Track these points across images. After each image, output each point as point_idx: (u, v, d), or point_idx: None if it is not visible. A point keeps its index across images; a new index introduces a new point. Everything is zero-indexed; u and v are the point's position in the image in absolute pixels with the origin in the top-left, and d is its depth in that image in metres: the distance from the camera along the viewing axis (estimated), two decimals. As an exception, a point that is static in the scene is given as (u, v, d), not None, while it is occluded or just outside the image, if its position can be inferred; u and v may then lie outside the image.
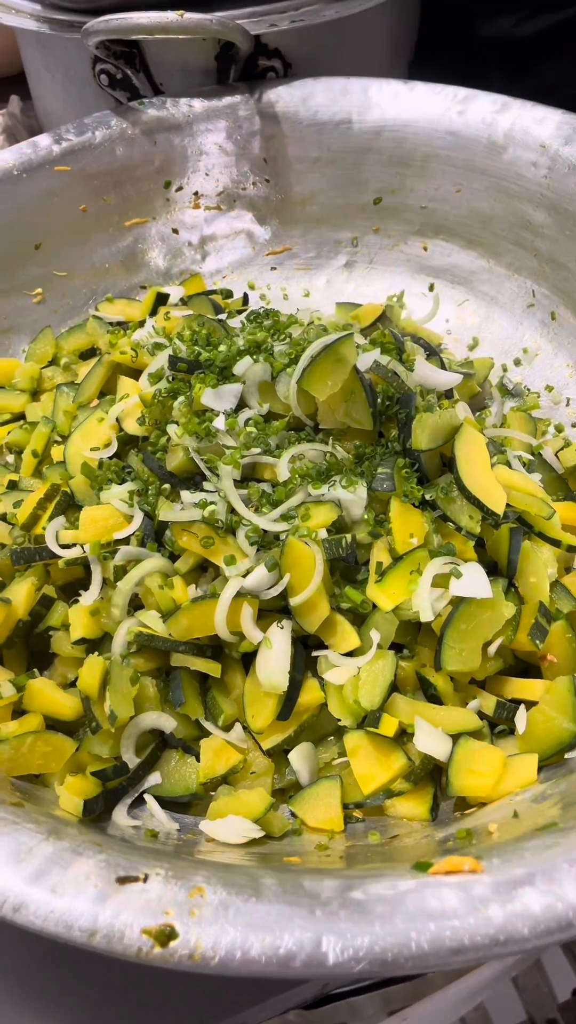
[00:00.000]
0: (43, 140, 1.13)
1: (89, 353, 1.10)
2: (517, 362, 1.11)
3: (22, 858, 0.49)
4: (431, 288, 1.19)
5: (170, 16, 1.06)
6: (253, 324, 0.93)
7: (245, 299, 1.18)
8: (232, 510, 0.78)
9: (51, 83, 1.33)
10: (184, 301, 1.11)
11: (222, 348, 0.86)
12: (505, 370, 1.10)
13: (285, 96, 1.18)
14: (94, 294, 1.19)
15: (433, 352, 0.94)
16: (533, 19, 1.38)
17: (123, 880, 0.47)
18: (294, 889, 0.48)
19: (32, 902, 0.47)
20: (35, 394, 1.07)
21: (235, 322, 0.96)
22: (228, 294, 1.16)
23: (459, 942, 0.45)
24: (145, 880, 0.48)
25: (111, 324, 1.09)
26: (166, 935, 0.45)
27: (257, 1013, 0.69)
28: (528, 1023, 1.83)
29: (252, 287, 1.23)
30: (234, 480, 0.78)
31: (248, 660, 0.77)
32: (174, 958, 0.44)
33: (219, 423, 0.80)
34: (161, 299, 1.11)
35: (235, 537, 0.77)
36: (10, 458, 1.01)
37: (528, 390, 1.07)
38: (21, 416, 1.04)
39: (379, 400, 0.81)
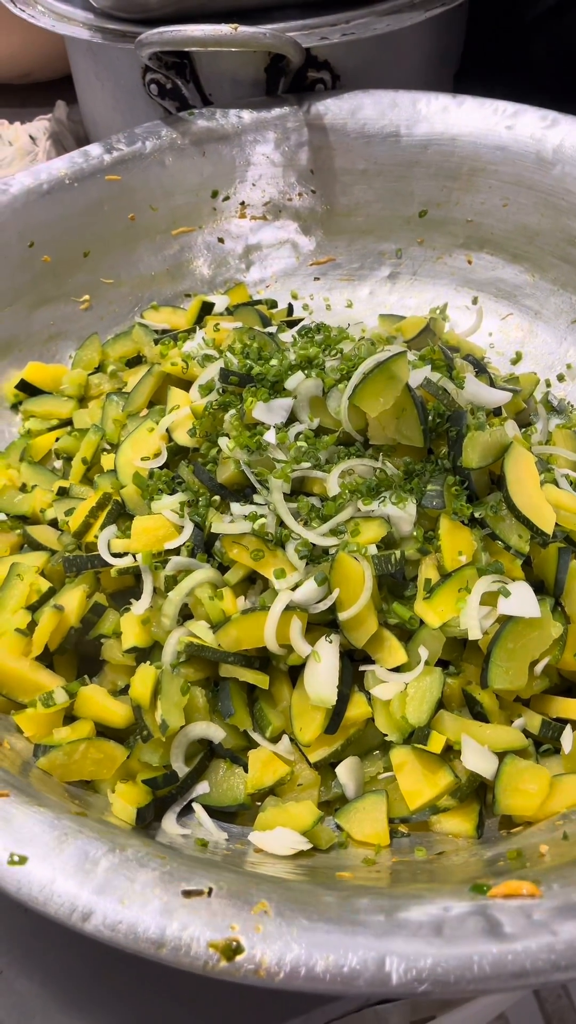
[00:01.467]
0: (94, 149, 1.15)
1: (135, 360, 1.12)
2: (561, 378, 1.11)
3: (89, 868, 0.50)
4: (475, 301, 1.20)
5: (224, 29, 1.07)
6: (304, 339, 0.94)
7: (290, 309, 1.18)
8: (282, 523, 0.78)
9: (100, 91, 1.34)
10: (230, 311, 1.12)
11: (274, 362, 0.86)
12: (549, 386, 1.10)
13: (333, 108, 1.19)
14: (140, 301, 1.20)
15: (482, 369, 0.94)
16: None
17: (188, 894, 0.48)
18: (355, 907, 0.49)
19: (100, 911, 0.48)
20: (82, 400, 1.08)
21: (286, 336, 0.97)
22: (273, 304, 1.17)
23: (520, 967, 0.45)
24: (210, 894, 0.49)
25: (156, 332, 1.11)
26: (232, 949, 0.46)
27: (301, 1023, 0.70)
28: (550, 1035, 1.82)
29: (295, 297, 1.24)
30: (284, 494, 0.79)
31: (294, 673, 0.77)
32: (240, 972, 0.45)
33: (270, 437, 0.81)
34: (206, 308, 1.12)
35: (284, 550, 0.78)
36: (58, 464, 1.02)
37: (572, 407, 1.07)
38: (68, 422, 1.06)
39: (430, 417, 0.82)
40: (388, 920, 0.48)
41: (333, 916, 0.48)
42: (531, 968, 0.45)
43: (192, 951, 0.46)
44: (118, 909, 0.48)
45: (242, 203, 1.22)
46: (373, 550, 0.77)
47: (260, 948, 0.46)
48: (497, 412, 0.90)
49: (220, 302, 1.15)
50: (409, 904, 0.49)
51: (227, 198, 1.22)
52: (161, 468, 0.87)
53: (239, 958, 0.46)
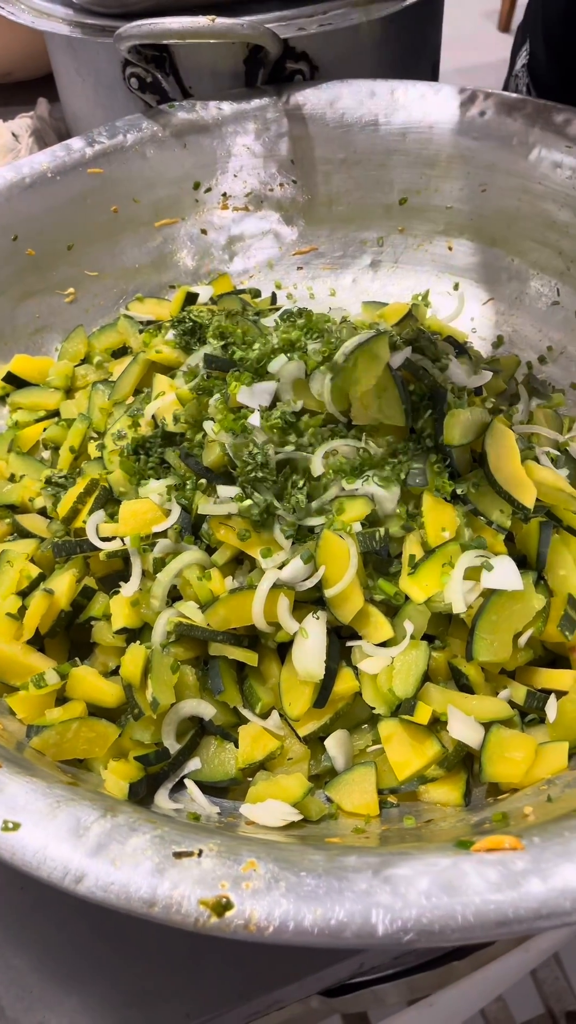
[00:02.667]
0: (76, 143, 1.16)
1: (120, 351, 1.13)
2: (542, 360, 1.12)
3: (81, 833, 0.51)
4: (456, 287, 1.21)
5: (201, 21, 1.08)
6: (287, 323, 0.95)
7: (274, 298, 1.20)
8: (269, 504, 0.80)
9: (81, 86, 1.35)
10: (214, 301, 1.13)
11: (256, 346, 0.88)
12: (530, 368, 1.12)
13: (312, 98, 1.20)
14: (124, 294, 1.21)
15: (462, 350, 0.96)
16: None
17: (179, 855, 0.49)
18: (342, 864, 0.50)
19: (93, 874, 0.49)
20: (68, 391, 1.09)
21: (268, 321, 0.98)
22: (256, 293, 1.18)
23: (503, 915, 0.47)
24: (200, 855, 0.50)
25: (141, 323, 1.12)
26: (222, 906, 0.47)
27: (295, 991, 0.71)
28: (547, 1015, 1.84)
29: (279, 286, 1.25)
30: (269, 475, 0.80)
31: (283, 650, 0.79)
32: (230, 927, 0.47)
33: (254, 420, 0.82)
34: (190, 299, 1.14)
35: (271, 530, 0.79)
36: (46, 454, 1.03)
37: (553, 388, 1.09)
38: (55, 413, 1.07)
39: (411, 397, 0.83)
40: (374, 875, 0.49)
41: (320, 872, 0.49)
42: (513, 916, 0.47)
43: (183, 908, 0.47)
44: (110, 871, 0.49)
45: (224, 194, 1.23)
46: (358, 528, 0.78)
47: (249, 904, 0.47)
48: (478, 392, 0.92)
49: (204, 292, 1.16)
50: (395, 860, 0.50)
51: (209, 189, 1.23)
52: (148, 453, 0.88)
53: (228, 914, 0.47)
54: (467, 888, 0.48)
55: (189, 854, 0.50)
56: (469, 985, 1.09)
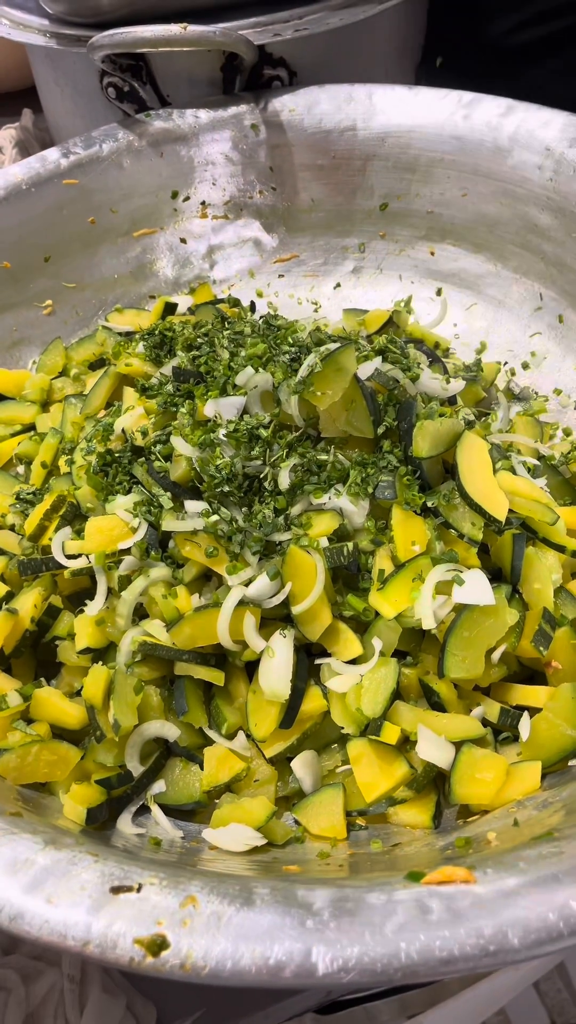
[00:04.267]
0: (51, 154, 1.15)
1: (99, 363, 1.12)
2: (525, 366, 1.10)
3: (19, 868, 0.50)
4: (439, 292, 1.19)
5: (174, 29, 1.07)
6: (255, 335, 0.93)
7: (252, 308, 1.18)
8: (234, 519, 0.78)
9: (61, 97, 1.34)
10: (192, 311, 1.12)
11: (224, 358, 0.86)
12: (513, 374, 1.10)
13: (290, 104, 1.19)
14: (103, 305, 1.20)
15: (436, 359, 0.94)
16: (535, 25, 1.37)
17: (117, 890, 0.48)
18: (286, 899, 0.48)
19: (28, 912, 0.47)
20: (45, 405, 1.08)
21: (239, 332, 0.97)
22: (235, 303, 1.16)
23: (449, 952, 0.45)
24: (139, 890, 0.48)
25: (120, 334, 1.11)
26: (157, 945, 0.45)
27: (288, 1008, 0.69)
28: (551, 1028, 1.81)
29: (260, 295, 1.23)
30: (236, 489, 0.79)
31: (252, 668, 0.77)
32: (165, 967, 0.45)
33: (221, 434, 0.81)
34: (170, 309, 1.12)
35: (237, 547, 0.78)
36: (20, 469, 1.02)
37: (536, 394, 1.07)
38: (31, 427, 1.06)
39: (380, 408, 0.82)
40: (319, 911, 0.47)
41: (263, 908, 0.47)
42: (459, 954, 0.45)
43: (118, 948, 0.46)
44: (45, 909, 0.47)
45: (203, 203, 1.22)
46: (325, 542, 0.77)
47: (187, 942, 0.46)
48: (452, 401, 0.90)
49: (183, 302, 1.15)
50: (343, 895, 0.49)
51: (187, 198, 1.22)
52: (111, 467, 0.87)
53: (164, 953, 0.45)
54: (413, 924, 0.46)
55: (128, 888, 0.48)
56: (465, 1000, 1.07)
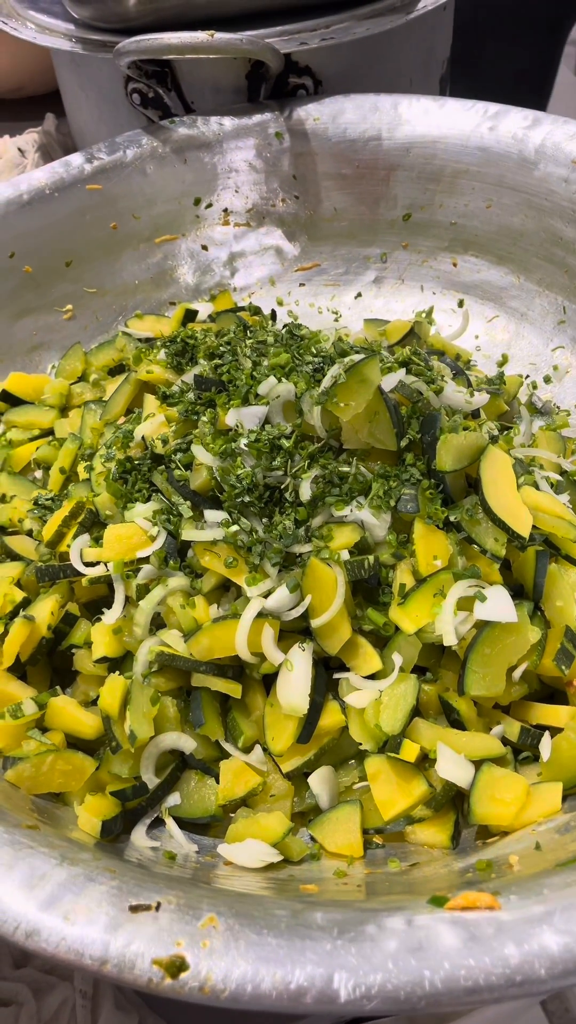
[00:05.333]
0: (75, 159, 1.15)
1: (118, 369, 1.11)
2: (547, 379, 1.09)
3: (35, 884, 0.49)
4: (460, 304, 1.19)
5: (200, 36, 1.07)
6: (278, 344, 0.93)
7: (273, 316, 1.18)
8: (254, 530, 0.77)
9: (85, 102, 1.34)
10: (212, 318, 1.12)
11: (246, 368, 0.86)
12: (535, 387, 1.09)
13: (315, 113, 1.19)
14: (124, 310, 1.20)
15: (459, 372, 0.93)
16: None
17: (135, 908, 0.47)
18: (307, 922, 0.47)
19: (44, 929, 0.47)
20: (64, 410, 1.08)
21: (262, 341, 0.96)
22: (256, 311, 1.16)
23: (474, 982, 0.44)
24: (157, 908, 0.47)
25: (140, 340, 1.10)
26: (176, 966, 0.45)
27: None
28: (558, 1049, 1.79)
29: (281, 303, 1.23)
30: (256, 500, 0.78)
31: (269, 681, 0.76)
32: (184, 990, 0.44)
33: (242, 444, 0.80)
34: (190, 315, 1.12)
35: (257, 557, 0.77)
36: (38, 474, 1.02)
37: (558, 408, 1.06)
38: (50, 432, 1.05)
39: (404, 421, 0.81)
40: (340, 935, 0.46)
41: (283, 930, 0.46)
42: (484, 984, 0.44)
43: (136, 968, 0.45)
44: (62, 926, 0.47)
45: (225, 210, 1.22)
46: (346, 555, 0.76)
47: (206, 964, 0.45)
48: (475, 414, 0.89)
49: (204, 309, 1.15)
50: (364, 918, 0.48)
51: (210, 205, 1.21)
52: (133, 474, 0.86)
53: (183, 975, 0.44)
54: (437, 952, 0.45)
55: (146, 907, 0.47)
56: (474, 1021, 1.06)
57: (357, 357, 0.80)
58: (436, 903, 0.49)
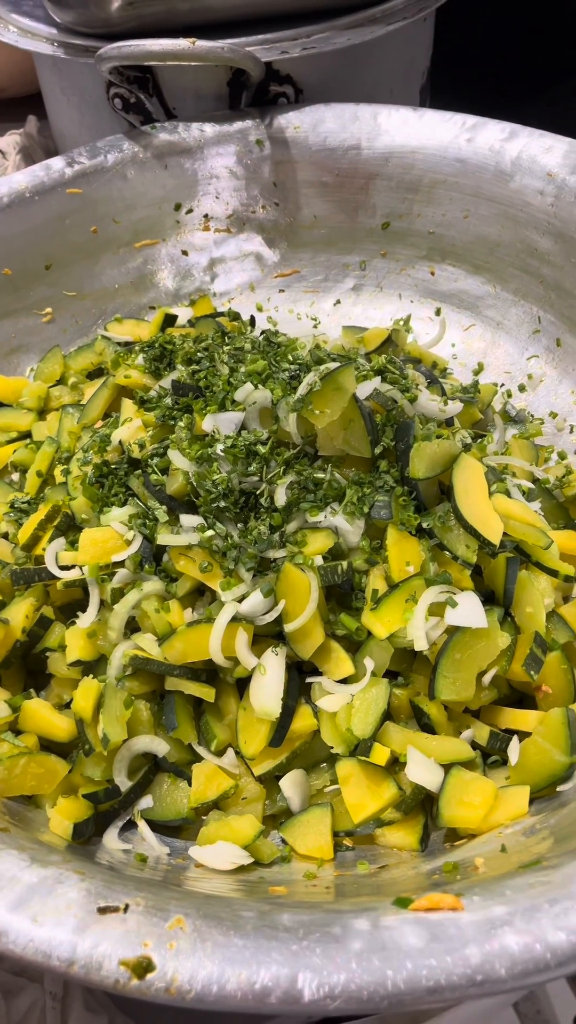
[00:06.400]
0: (56, 163, 1.15)
1: (97, 373, 1.12)
2: (522, 388, 1.11)
3: (4, 886, 0.49)
4: (438, 312, 1.20)
5: (182, 43, 1.08)
6: (255, 351, 0.93)
7: (252, 322, 1.18)
8: (229, 535, 0.78)
9: (66, 106, 1.35)
10: (192, 323, 1.12)
11: (223, 374, 0.86)
12: (509, 396, 1.11)
13: (295, 121, 1.20)
14: (103, 314, 1.20)
15: (434, 380, 0.94)
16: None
17: (104, 910, 0.48)
18: (274, 923, 0.48)
19: (12, 930, 0.47)
20: (42, 413, 1.08)
21: (240, 347, 0.97)
22: (235, 316, 1.17)
23: (435, 982, 0.45)
24: (125, 910, 0.48)
25: (120, 344, 1.11)
26: (143, 967, 0.45)
27: None
28: (530, 1051, 1.81)
29: (260, 309, 1.24)
30: (232, 505, 0.79)
31: (243, 685, 0.77)
32: (150, 991, 0.45)
33: (219, 449, 0.81)
34: (169, 320, 1.13)
35: (232, 562, 0.77)
36: (15, 476, 1.02)
37: (532, 417, 1.07)
38: (27, 435, 1.06)
39: (378, 428, 0.82)
40: (306, 936, 0.47)
41: (249, 932, 0.47)
42: (446, 984, 0.45)
43: (103, 969, 0.45)
44: (30, 928, 0.47)
45: (205, 216, 1.23)
46: (319, 561, 0.77)
47: (172, 965, 0.45)
48: (449, 422, 0.90)
49: (183, 314, 1.15)
50: (330, 919, 0.49)
51: (190, 211, 1.22)
52: (109, 478, 0.86)
53: (150, 976, 0.45)
54: (400, 952, 0.46)
55: (114, 909, 0.48)
56: (447, 1021, 1.07)
57: (332, 365, 0.81)
58: (400, 904, 0.50)
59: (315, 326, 1.22)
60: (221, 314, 1.16)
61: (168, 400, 0.88)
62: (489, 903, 0.49)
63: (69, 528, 0.85)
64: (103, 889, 0.50)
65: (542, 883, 0.51)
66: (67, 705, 0.79)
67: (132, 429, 0.88)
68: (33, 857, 0.52)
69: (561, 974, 0.45)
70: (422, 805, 0.73)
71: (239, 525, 0.79)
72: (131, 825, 0.73)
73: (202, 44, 1.07)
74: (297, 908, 0.50)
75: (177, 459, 0.82)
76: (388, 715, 0.75)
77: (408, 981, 0.45)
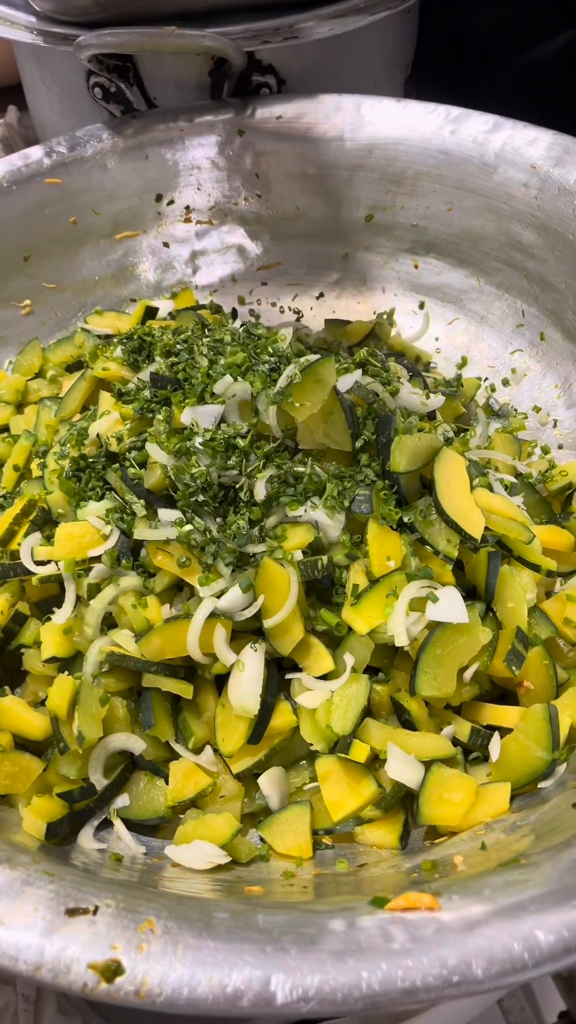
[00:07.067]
0: (34, 152, 1.13)
1: (76, 366, 1.10)
2: (505, 382, 1.10)
3: (-30, 887, 0.48)
4: (421, 306, 1.19)
5: (162, 32, 1.06)
6: (235, 343, 0.92)
7: (234, 314, 1.17)
8: (208, 529, 0.77)
9: (47, 95, 1.33)
10: (173, 316, 1.11)
11: (203, 366, 0.85)
12: (493, 390, 1.10)
13: (278, 112, 1.18)
14: (83, 307, 1.18)
15: (416, 373, 0.93)
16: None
17: (72, 912, 0.46)
18: (246, 924, 0.47)
19: (-22, 934, 0.46)
20: (20, 406, 1.06)
21: (219, 340, 0.96)
22: (217, 309, 1.15)
23: (411, 983, 0.44)
24: (95, 912, 0.47)
25: (99, 337, 1.09)
26: (112, 970, 0.44)
27: None
28: (514, 1047, 1.81)
29: (242, 302, 1.22)
30: (211, 499, 0.78)
31: (221, 682, 0.76)
32: (119, 994, 0.44)
33: (197, 442, 0.80)
34: (150, 312, 1.11)
35: (211, 557, 0.76)
36: (-8, 470, 1.00)
37: (515, 411, 1.07)
38: (5, 429, 1.04)
39: (359, 421, 0.81)
40: (280, 937, 0.46)
41: (222, 933, 0.46)
42: (422, 985, 0.44)
43: (71, 973, 0.44)
44: (-3, 930, 0.46)
45: (187, 207, 1.21)
46: (299, 556, 0.76)
47: (142, 968, 0.44)
48: (432, 416, 0.89)
49: (164, 307, 1.14)
50: (305, 920, 0.48)
51: (172, 202, 1.21)
52: (86, 471, 0.85)
53: (119, 979, 0.44)
54: (375, 953, 0.45)
55: (84, 911, 0.47)
56: (430, 1019, 1.06)
57: (313, 357, 0.80)
58: (377, 904, 0.49)
59: (298, 319, 1.21)
60: (203, 306, 1.15)
61: (147, 393, 0.86)
62: (467, 902, 0.48)
63: (45, 523, 0.84)
64: (73, 891, 0.49)
65: (521, 881, 0.51)
66: (42, 703, 0.77)
67: (110, 422, 0.86)
68: (2, 858, 0.51)
69: (539, 974, 0.44)
70: (402, 802, 0.72)
71: (218, 519, 0.78)
72: (107, 824, 0.72)
73: (183, 33, 1.06)
74: (272, 909, 0.49)
75: (155, 452, 0.80)
76: (368, 711, 0.74)
77: (383, 982, 0.44)
